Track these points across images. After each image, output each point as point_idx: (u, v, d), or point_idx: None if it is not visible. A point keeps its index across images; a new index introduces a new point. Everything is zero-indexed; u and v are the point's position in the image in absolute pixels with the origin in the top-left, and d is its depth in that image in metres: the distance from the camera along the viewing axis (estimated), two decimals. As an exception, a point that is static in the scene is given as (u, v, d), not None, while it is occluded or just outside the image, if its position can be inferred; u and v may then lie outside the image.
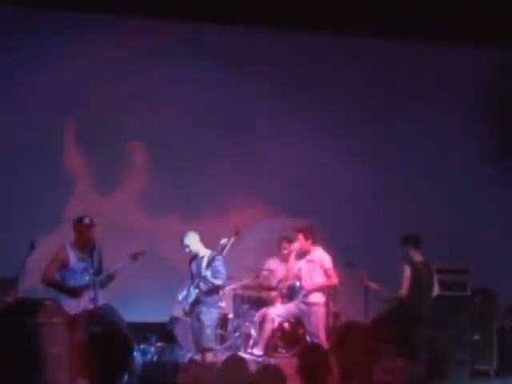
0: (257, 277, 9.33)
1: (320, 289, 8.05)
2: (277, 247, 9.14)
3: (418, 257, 7.87)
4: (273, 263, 9.25)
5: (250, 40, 10.57)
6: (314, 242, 8.06)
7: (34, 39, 9.98)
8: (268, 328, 8.26)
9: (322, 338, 7.82)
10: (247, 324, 9.00)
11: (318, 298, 8.02)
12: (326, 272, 8.00)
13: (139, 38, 10.29)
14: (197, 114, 10.39)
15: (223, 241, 7.81)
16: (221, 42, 10.46)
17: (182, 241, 7.91)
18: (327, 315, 8.27)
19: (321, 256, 8.01)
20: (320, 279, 8.01)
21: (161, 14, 10.12)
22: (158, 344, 8.12)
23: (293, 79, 10.60)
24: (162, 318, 8.73)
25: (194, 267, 7.95)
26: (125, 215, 9.93)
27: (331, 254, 8.68)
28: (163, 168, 10.23)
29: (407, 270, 7.76)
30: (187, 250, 7.79)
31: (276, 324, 8.36)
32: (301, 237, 7.98)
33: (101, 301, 6.96)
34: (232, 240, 7.88)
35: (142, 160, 10.26)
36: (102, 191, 9.92)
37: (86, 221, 6.96)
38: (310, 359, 4.02)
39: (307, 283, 8.02)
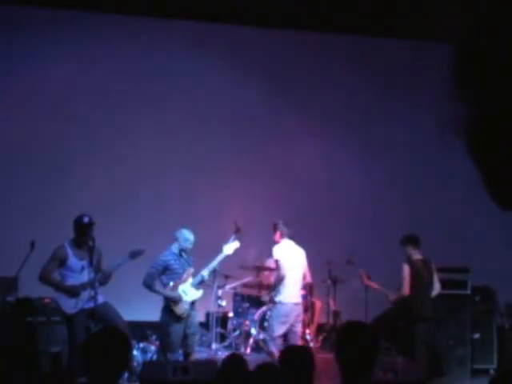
0: (257, 275, 9.35)
1: (276, 286, 7.91)
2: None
3: (417, 256, 7.88)
4: (273, 262, 9.24)
5: (250, 40, 10.57)
6: (282, 236, 7.96)
7: (34, 38, 9.98)
8: None
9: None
10: (247, 323, 9.02)
11: (276, 296, 7.89)
12: (276, 263, 7.94)
13: (139, 37, 10.29)
14: (197, 113, 10.40)
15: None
16: (221, 42, 10.46)
17: (193, 239, 7.60)
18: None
19: (275, 248, 7.92)
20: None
21: (161, 13, 10.14)
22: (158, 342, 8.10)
23: (293, 79, 10.61)
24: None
25: (179, 264, 7.52)
26: (125, 215, 9.93)
27: (332, 252, 8.72)
28: (162, 168, 10.22)
29: (406, 270, 7.77)
30: (191, 246, 7.62)
31: None
32: (275, 228, 7.99)
33: (100, 299, 6.96)
34: (232, 238, 7.85)
35: (143, 159, 10.25)
36: (106, 190, 9.91)
37: (86, 220, 6.96)
38: (294, 359, 4.01)
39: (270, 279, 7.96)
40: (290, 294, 7.81)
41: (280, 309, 7.77)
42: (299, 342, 7.76)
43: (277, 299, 7.81)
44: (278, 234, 7.96)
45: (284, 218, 8.12)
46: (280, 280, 7.81)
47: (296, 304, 7.85)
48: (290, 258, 7.89)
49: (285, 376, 3.77)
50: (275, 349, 7.59)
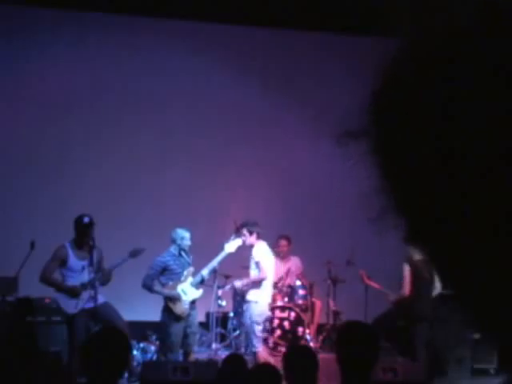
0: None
1: (253, 285, 7.78)
2: (275, 245, 9.11)
3: (417, 255, 7.87)
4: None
5: (250, 40, 10.57)
6: (258, 237, 7.82)
7: (34, 38, 9.98)
8: None
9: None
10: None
11: (252, 295, 7.79)
12: (257, 265, 7.75)
13: (139, 37, 10.29)
14: (196, 112, 10.40)
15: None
16: (221, 42, 10.46)
17: (190, 236, 7.62)
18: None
19: (255, 249, 7.77)
20: (252, 273, 7.79)
21: (161, 13, 10.14)
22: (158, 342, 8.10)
23: (293, 78, 10.61)
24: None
25: (178, 264, 7.52)
26: (125, 215, 9.93)
27: (332, 252, 8.71)
28: (162, 167, 10.22)
29: (406, 270, 7.77)
30: (189, 242, 7.62)
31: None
32: (246, 232, 7.75)
33: (100, 299, 6.96)
34: (233, 237, 7.85)
35: (142, 158, 10.25)
36: (105, 190, 9.91)
37: (86, 220, 6.96)
38: (297, 360, 4.00)
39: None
40: (268, 293, 7.82)
41: (254, 308, 7.71)
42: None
43: (252, 298, 7.75)
44: (253, 236, 7.75)
45: (247, 219, 7.90)
46: (261, 281, 7.76)
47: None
48: (269, 259, 7.86)
49: (288, 376, 3.78)
50: (260, 345, 7.59)
